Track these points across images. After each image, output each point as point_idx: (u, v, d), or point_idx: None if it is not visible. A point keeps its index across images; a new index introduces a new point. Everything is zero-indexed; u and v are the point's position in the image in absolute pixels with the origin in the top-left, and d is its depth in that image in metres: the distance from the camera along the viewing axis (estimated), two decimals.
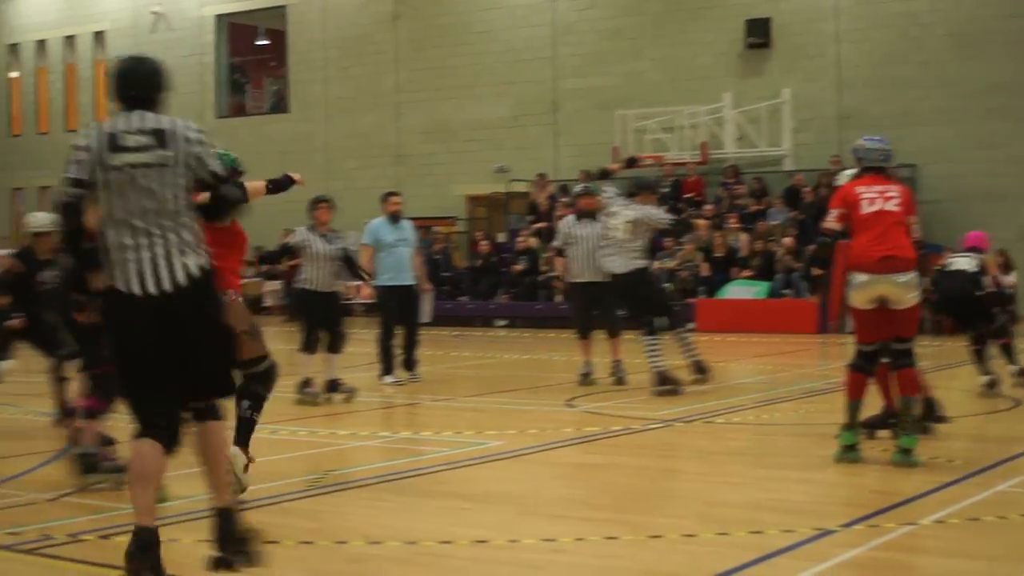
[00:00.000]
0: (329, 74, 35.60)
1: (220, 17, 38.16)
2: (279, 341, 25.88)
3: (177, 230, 6.42)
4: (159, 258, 6.37)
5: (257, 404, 9.23)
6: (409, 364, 16.76)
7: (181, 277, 6.34)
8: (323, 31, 35.63)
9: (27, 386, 17.77)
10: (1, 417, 14.00)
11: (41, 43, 41.68)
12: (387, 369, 16.64)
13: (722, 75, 30.19)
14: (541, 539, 7.62)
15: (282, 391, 16.37)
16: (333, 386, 14.73)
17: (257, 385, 9.17)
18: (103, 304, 6.56)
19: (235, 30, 39.01)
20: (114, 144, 6.41)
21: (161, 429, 6.41)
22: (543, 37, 32.38)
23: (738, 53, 30.26)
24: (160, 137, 6.46)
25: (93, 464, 9.40)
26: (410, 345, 16.77)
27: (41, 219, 12.15)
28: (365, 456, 11.23)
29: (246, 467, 9.06)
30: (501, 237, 31.67)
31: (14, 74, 42.52)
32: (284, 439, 11.88)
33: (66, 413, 11.54)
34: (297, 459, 10.91)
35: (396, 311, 16.37)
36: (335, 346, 14.66)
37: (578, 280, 16.07)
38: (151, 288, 6.31)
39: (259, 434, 11.56)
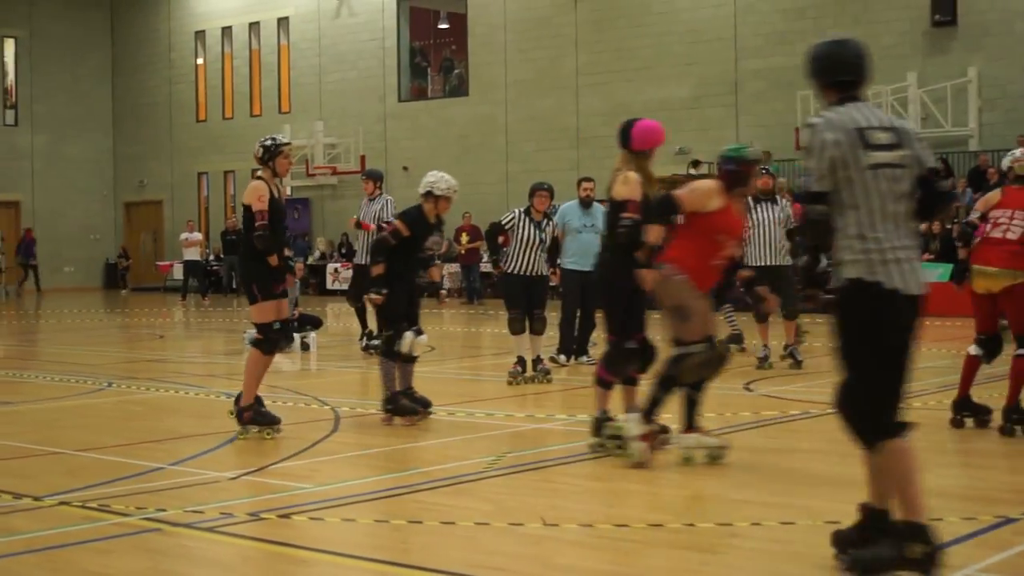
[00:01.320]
0: (509, 57, 35.65)
1: (401, 1, 38.44)
2: (458, 323, 26.09)
3: (914, 230, 6.37)
4: (916, 260, 6.33)
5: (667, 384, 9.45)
6: (582, 349, 16.71)
7: (923, 279, 6.31)
8: (503, 14, 35.70)
9: (208, 366, 18.16)
10: (183, 397, 14.25)
11: (226, 30, 42.42)
12: (564, 350, 16.65)
13: (906, 54, 29.56)
14: (717, 523, 7.53)
15: (461, 372, 16.50)
16: (535, 365, 14.91)
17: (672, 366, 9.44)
18: (849, 296, 6.26)
19: (416, 14, 39.28)
20: (865, 141, 6.17)
21: (903, 427, 6.28)
22: (724, 17, 32.06)
23: (923, 31, 29.62)
24: (898, 135, 6.26)
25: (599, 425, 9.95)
26: (585, 330, 16.73)
27: (451, 183, 11.89)
28: (542, 438, 11.20)
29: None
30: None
31: (200, 61, 43.34)
32: (462, 421, 11.91)
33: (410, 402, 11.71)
34: (474, 440, 10.93)
35: (578, 295, 16.36)
36: (537, 328, 14.84)
37: (756, 264, 15.90)
38: (916, 290, 6.25)
39: (437, 415, 11.67)
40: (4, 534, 7.60)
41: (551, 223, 15.35)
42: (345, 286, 29.01)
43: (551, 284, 15.81)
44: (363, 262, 18.40)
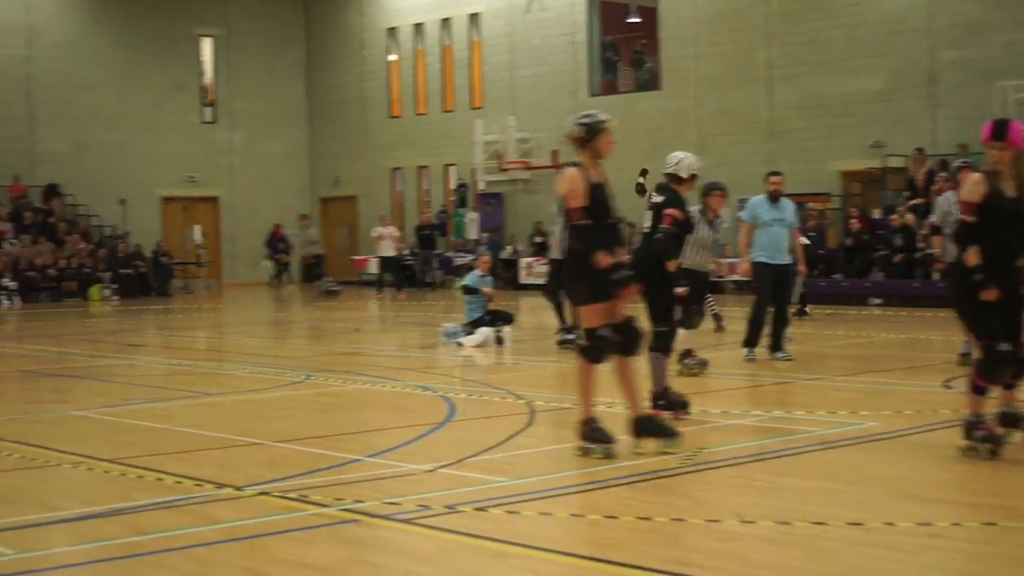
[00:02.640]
0: (700, 50, 35.39)
1: None
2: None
3: None
4: None
5: None
6: (777, 344, 16.52)
7: None
8: (694, 7, 35.44)
9: (404, 360, 18.35)
10: (379, 390, 14.41)
11: (418, 26, 42.82)
12: (750, 342, 16.47)
13: None
14: (917, 523, 7.38)
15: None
16: (682, 358, 14.81)
17: None
18: None
19: (607, 8, 39.22)
20: None
21: None
22: (919, 7, 31.38)
23: None
24: None
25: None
26: (780, 325, 16.54)
27: (688, 160, 11.85)
28: (737, 435, 11.10)
29: None
30: (876, 213, 30.93)
31: (392, 57, 43.82)
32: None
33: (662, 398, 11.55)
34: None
35: (771, 289, 16.21)
36: (694, 323, 14.73)
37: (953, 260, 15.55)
38: None
39: (623, 410, 11.60)
40: (206, 523, 7.78)
41: (722, 222, 15.20)
42: (539, 280, 29.08)
43: (743, 278, 15.67)
44: (559, 256, 18.41)
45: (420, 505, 8.01)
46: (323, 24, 45.80)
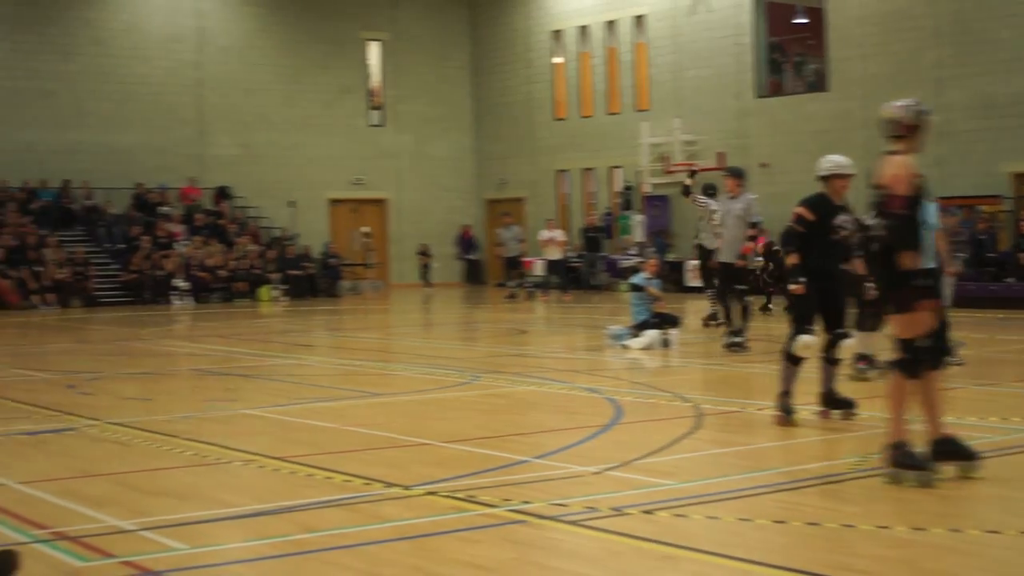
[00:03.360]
0: (867, 51, 34.88)
1: None
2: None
3: None
4: None
5: None
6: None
7: None
8: (861, 7, 34.95)
9: (570, 362, 18.36)
10: (546, 392, 14.44)
11: (583, 29, 42.84)
12: None
13: None
14: None
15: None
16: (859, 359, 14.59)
17: None
18: None
19: (773, 9, 38.87)
20: None
21: None
22: None
23: None
24: None
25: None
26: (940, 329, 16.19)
27: (836, 160, 11.56)
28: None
29: None
30: None
31: (558, 60, 43.90)
32: (825, 420, 11.73)
33: (832, 403, 11.50)
34: (839, 440, 10.75)
35: None
36: (868, 324, 14.54)
37: None
38: None
39: (802, 415, 11.47)
40: (375, 521, 7.87)
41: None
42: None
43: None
44: (727, 259, 18.34)
45: (587, 507, 8.02)
46: (489, 27, 46.05)
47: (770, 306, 26.40)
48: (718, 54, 38.27)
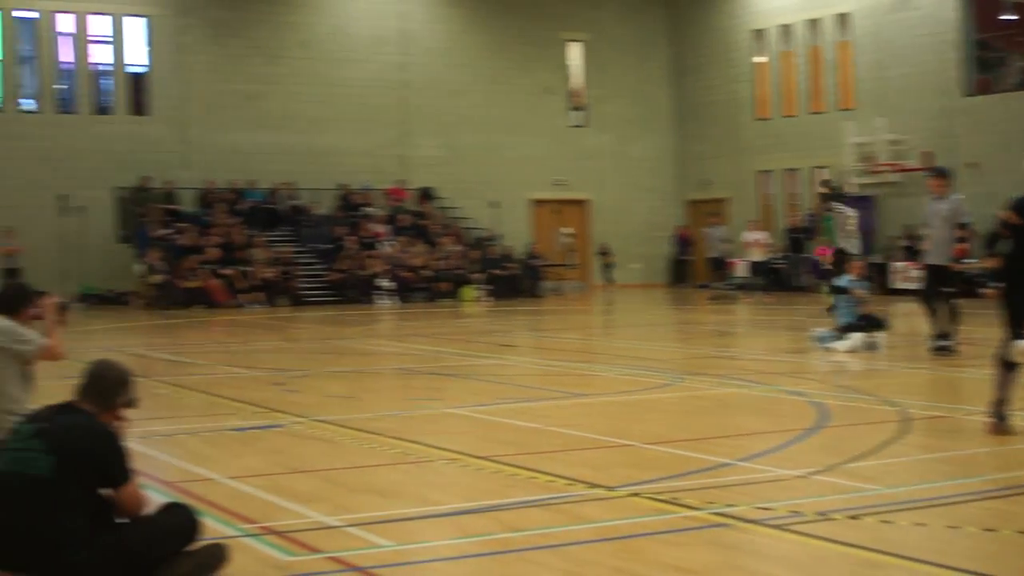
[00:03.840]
0: None
1: None
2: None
3: None
4: None
5: None
6: None
7: None
8: None
9: (772, 364, 18.19)
10: (748, 394, 14.32)
11: (785, 27, 42.39)
12: None
13: None
14: None
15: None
16: None
17: None
18: None
19: (979, 5, 37.96)
20: None
21: None
22: None
23: None
24: None
25: None
26: None
27: None
28: None
29: None
30: None
31: (760, 59, 43.51)
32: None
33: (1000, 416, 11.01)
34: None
35: None
36: None
37: None
38: None
39: (1016, 422, 11.18)
40: (577, 522, 7.88)
41: None
42: (912, 286, 28.38)
43: None
44: (935, 261, 17.91)
45: (792, 511, 7.94)
46: (690, 27, 45.84)
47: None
48: (922, 52, 37.54)
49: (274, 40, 40.40)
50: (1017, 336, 10.92)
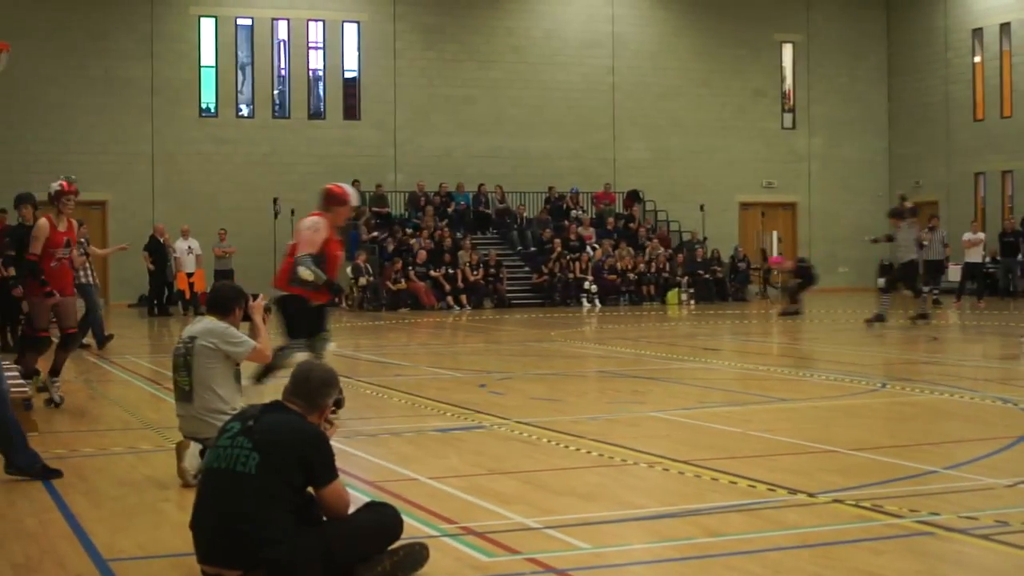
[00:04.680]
0: None
1: None
2: None
3: None
4: None
5: None
6: None
7: None
8: None
9: (983, 370, 17.80)
10: (957, 400, 14.01)
11: (1004, 27, 41.40)
12: None
13: None
14: None
15: None
16: None
17: None
18: None
19: None
20: None
21: None
22: None
23: None
24: None
25: None
26: None
27: None
28: None
29: None
30: None
31: (977, 59, 42.58)
32: None
33: None
34: None
35: None
36: None
37: None
38: None
39: None
40: (778, 528, 7.81)
41: None
42: None
43: None
44: None
45: (998, 520, 7.76)
46: (905, 27, 45.08)
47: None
48: None
49: (489, 45, 40.87)
50: None
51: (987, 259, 37.45)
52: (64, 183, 13.82)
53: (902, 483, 9.09)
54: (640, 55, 42.64)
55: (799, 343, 24.32)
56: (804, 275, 30.73)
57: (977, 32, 42.40)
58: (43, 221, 13.72)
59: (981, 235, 35.06)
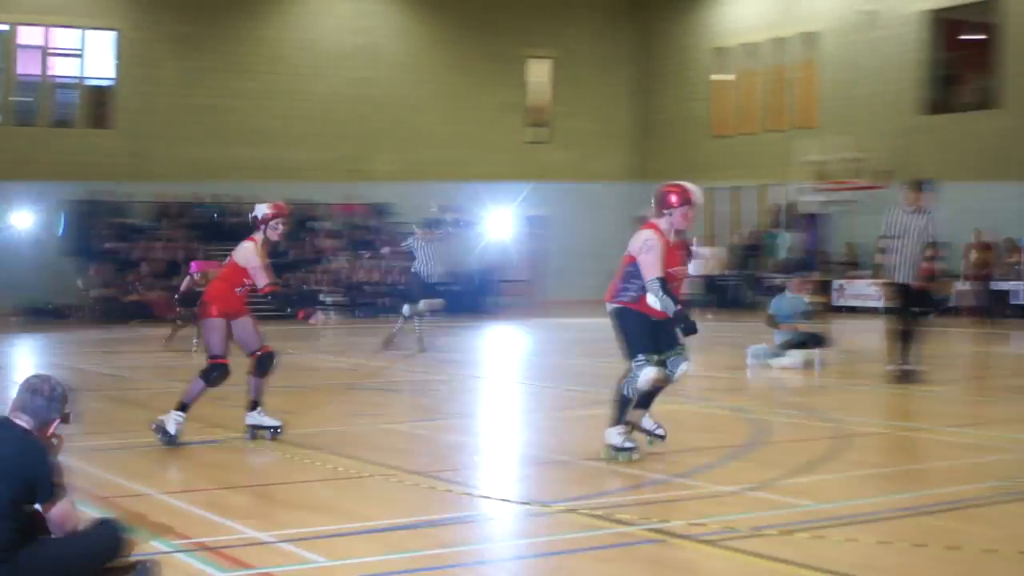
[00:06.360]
0: None
1: (929, 13, 37.11)
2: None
3: None
4: None
5: None
6: None
7: None
8: None
9: (710, 380, 18.19)
10: (688, 410, 14.33)
11: (749, 46, 42.39)
12: None
13: None
14: None
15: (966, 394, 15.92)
16: None
17: None
18: None
19: (944, 26, 37.87)
20: None
21: None
22: None
23: None
24: None
25: None
26: None
27: None
28: None
29: None
30: None
31: (717, 77, 43.55)
32: (969, 442, 11.54)
33: None
34: (982, 464, 10.55)
35: None
36: None
37: None
38: None
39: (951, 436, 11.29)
40: (511, 537, 7.93)
41: None
42: (873, 304, 28.38)
43: None
44: (905, 280, 16.76)
45: (725, 527, 7.96)
46: (654, 44, 45.81)
47: None
48: (886, 71, 37.61)
49: (243, 55, 40.40)
50: None
51: (726, 272, 38.38)
52: None
53: (636, 491, 9.28)
54: (395, 67, 42.46)
55: (539, 355, 24.56)
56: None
57: (719, 51, 43.33)
58: None
59: (708, 249, 35.84)
